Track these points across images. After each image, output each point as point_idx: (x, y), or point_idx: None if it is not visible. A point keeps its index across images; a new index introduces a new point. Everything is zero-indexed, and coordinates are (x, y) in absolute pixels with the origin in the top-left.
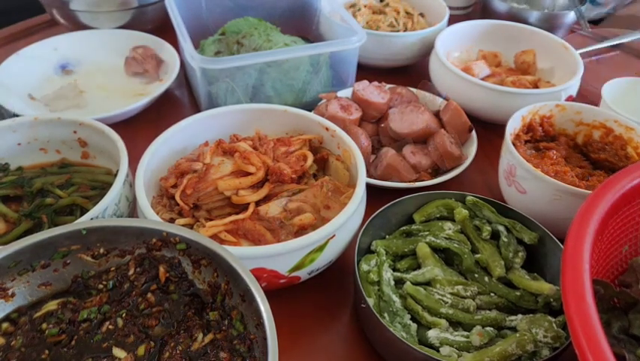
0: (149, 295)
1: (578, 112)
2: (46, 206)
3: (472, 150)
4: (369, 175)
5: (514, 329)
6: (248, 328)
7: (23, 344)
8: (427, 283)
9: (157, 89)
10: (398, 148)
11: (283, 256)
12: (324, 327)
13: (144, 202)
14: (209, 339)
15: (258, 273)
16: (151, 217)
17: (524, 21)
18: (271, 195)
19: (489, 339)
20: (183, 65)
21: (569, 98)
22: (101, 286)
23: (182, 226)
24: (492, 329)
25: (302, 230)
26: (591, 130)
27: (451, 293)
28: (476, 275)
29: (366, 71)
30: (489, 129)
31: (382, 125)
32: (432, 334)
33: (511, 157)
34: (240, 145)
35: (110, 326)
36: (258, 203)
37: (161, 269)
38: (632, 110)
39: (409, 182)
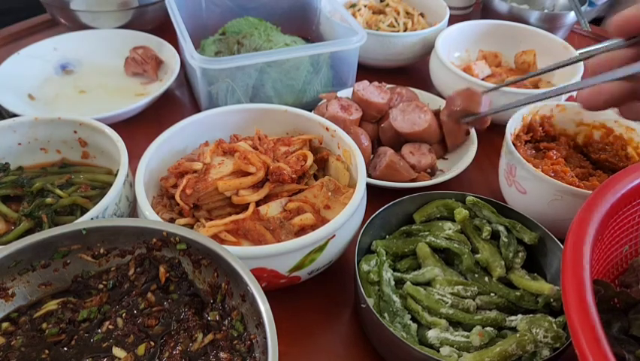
0: (149, 295)
1: (578, 112)
2: (47, 206)
3: (472, 150)
4: (368, 175)
5: (514, 329)
6: (248, 328)
7: (23, 344)
8: (427, 284)
9: (157, 89)
10: (397, 148)
11: (283, 256)
12: (325, 327)
13: (144, 202)
14: (209, 339)
15: (258, 273)
16: (151, 217)
17: (525, 21)
18: (271, 195)
19: (489, 339)
20: (183, 65)
21: (570, 99)
22: (101, 285)
23: (183, 225)
24: (492, 329)
25: (302, 230)
26: (591, 130)
27: (451, 293)
28: (476, 275)
29: (367, 71)
30: (489, 129)
31: (383, 125)
32: (432, 334)
33: (511, 157)
34: (240, 145)
35: (110, 326)
36: (258, 203)
37: (162, 269)
38: None
39: (409, 182)
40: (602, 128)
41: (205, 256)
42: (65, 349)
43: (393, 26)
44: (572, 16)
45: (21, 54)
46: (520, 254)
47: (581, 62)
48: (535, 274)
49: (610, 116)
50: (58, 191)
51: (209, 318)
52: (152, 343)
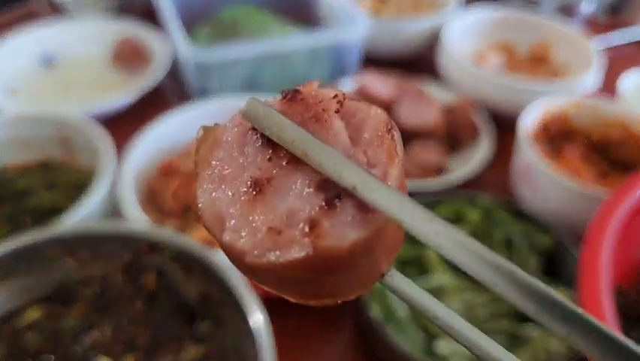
0: (137, 303)
1: (594, 106)
2: (29, 208)
3: (483, 147)
4: None
5: (527, 338)
6: (242, 339)
7: (5, 353)
8: (435, 291)
9: (146, 82)
10: (403, 145)
11: None
12: (325, 338)
13: (131, 203)
14: (200, 351)
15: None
16: (138, 219)
17: (539, 10)
18: None
19: None
20: (175, 56)
21: (586, 92)
22: (86, 293)
23: (172, 228)
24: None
25: None
26: (608, 126)
27: (461, 300)
28: None
29: (372, 63)
30: (502, 125)
31: None
32: (443, 345)
33: (524, 155)
34: None
35: (97, 335)
36: None
37: (150, 276)
38: None
39: (416, 181)
40: (619, 124)
41: (196, 262)
42: (49, 358)
43: (400, 15)
44: (587, 4)
45: (3, 46)
46: (534, 259)
47: (598, 54)
48: (552, 280)
49: (627, 111)
50: (41, 192)
51: (200, 328)
52: (140, 353)
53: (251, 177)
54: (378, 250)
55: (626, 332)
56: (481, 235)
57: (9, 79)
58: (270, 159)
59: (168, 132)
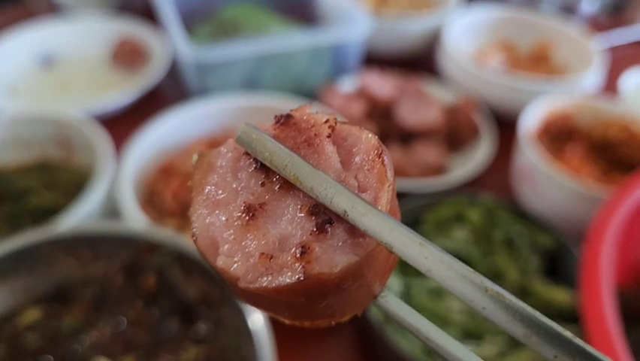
0: (137, 303)
1: (595, 106)
2: (29, 208)
3: (484, 146)
4: None
5: None
6: (242, 339)
7: (5, 353)
8: (436, 291)
9: (146, 82)
10: (404, 144)
11: None
12: (324, 338)
13: (130, 203)
14: (200, 351)
15: None
16: (137, 219)
17: (540, 9)
18: None
19: (500, 351)
20: (174, 55)
21: (587, 92)
22: (86, 292)
23: (172, 228)
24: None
25: None
26: (610, 126)
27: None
28: None
29: (372, 62)
30: (503, 125)
31: (388, 119)
32: None
33: (525, 155)
34: None
35: (96, 335)
36: None
37: (150, 276)
38: None
39: (416, 180)
40: (620, 123)
41: (196, 263)
42: (49, 358)
43: (400, 14)
44: (589, 4)
45: (1, 47)
46: (535, 258)
47: (600, 54)
48: (554, 280)
49: (629, 110)
50: (40, 192)
51: (200, 329)
52: (140, 353)
53: (244, 203)
54: (370, 274)
55: (628, 333)
56: (482, 234)
57: (8, 79)
58: (262, 184)
59: (167, 132)
